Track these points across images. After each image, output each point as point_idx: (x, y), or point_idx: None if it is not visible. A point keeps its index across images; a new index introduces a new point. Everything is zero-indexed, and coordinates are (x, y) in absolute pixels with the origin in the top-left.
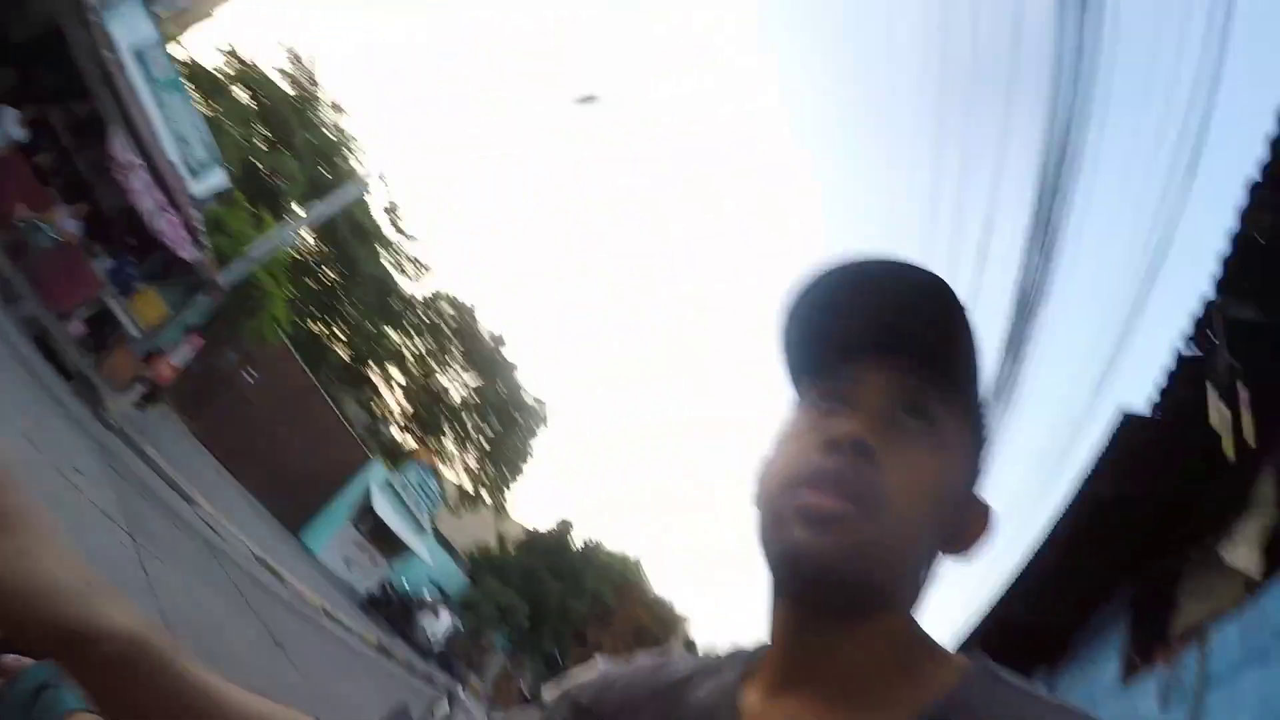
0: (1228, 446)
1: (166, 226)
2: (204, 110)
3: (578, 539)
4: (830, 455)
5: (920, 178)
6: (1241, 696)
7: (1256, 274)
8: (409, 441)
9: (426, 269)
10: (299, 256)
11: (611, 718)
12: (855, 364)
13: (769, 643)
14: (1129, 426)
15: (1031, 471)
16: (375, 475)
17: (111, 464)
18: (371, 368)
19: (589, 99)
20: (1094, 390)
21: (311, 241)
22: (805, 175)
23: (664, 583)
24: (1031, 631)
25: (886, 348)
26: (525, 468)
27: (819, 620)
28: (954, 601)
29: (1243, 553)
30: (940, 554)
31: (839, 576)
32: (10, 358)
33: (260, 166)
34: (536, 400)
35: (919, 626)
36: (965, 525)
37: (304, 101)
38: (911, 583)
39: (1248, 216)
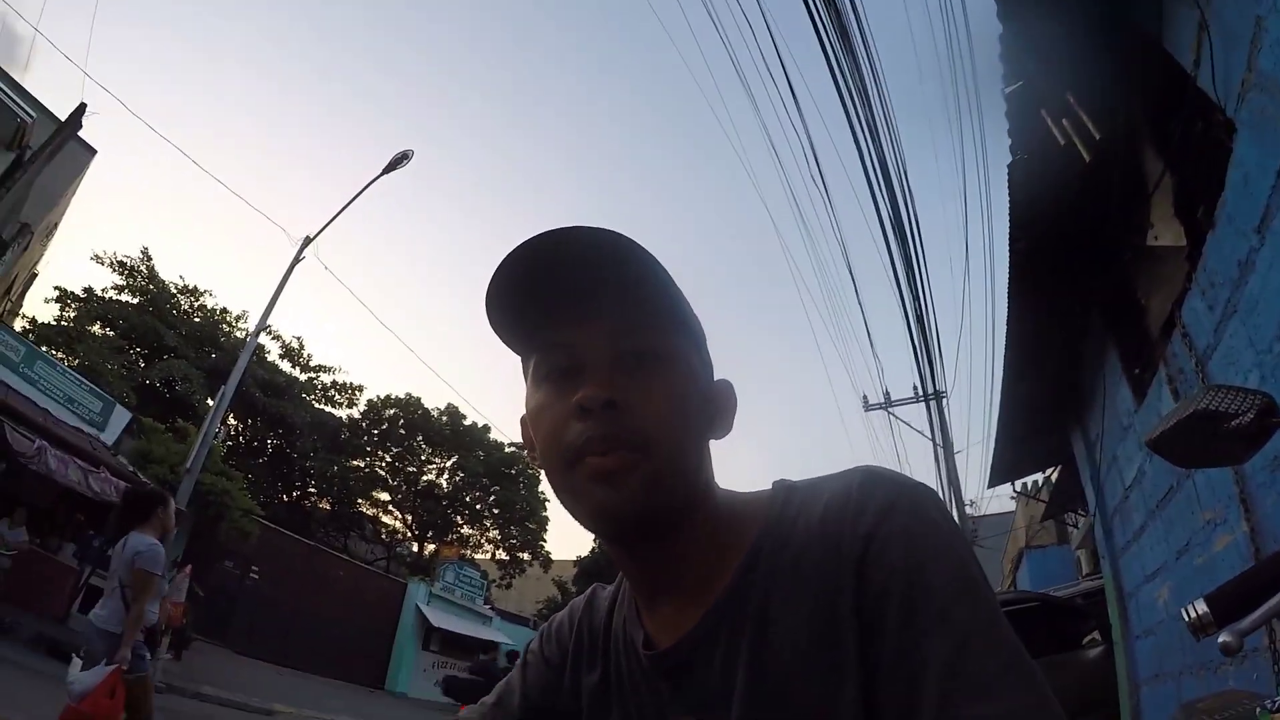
0: (1083, 150)
1: (100, 486)
2: (72, 361)
3: None
4: (586, 419)
5: None
6: (1232, 352)
7: None
8: (429, 548)
9: (357, 389)
10: (234, 442)
11: (556, 645)
12: (573, 330)
13: (619, 569)
14: (1016, 175)
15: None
16: (418, 595)
17: None
18: (358, 503)
19: (404, 157)
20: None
21: (235, 424)
22: None
23: None
24: (1047, 400)
25: (591, 307)
26: (545, 510)
27: (647, 546)
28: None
29: (1165, 230)
30: (710, 440)
31: (647, 511)
32: (36, 679)
33: (152, 383)
34: (519, 446)
35: (721, 496)
36: (718, 410)
37: (156, 302)
38: (698, 479)
39: None
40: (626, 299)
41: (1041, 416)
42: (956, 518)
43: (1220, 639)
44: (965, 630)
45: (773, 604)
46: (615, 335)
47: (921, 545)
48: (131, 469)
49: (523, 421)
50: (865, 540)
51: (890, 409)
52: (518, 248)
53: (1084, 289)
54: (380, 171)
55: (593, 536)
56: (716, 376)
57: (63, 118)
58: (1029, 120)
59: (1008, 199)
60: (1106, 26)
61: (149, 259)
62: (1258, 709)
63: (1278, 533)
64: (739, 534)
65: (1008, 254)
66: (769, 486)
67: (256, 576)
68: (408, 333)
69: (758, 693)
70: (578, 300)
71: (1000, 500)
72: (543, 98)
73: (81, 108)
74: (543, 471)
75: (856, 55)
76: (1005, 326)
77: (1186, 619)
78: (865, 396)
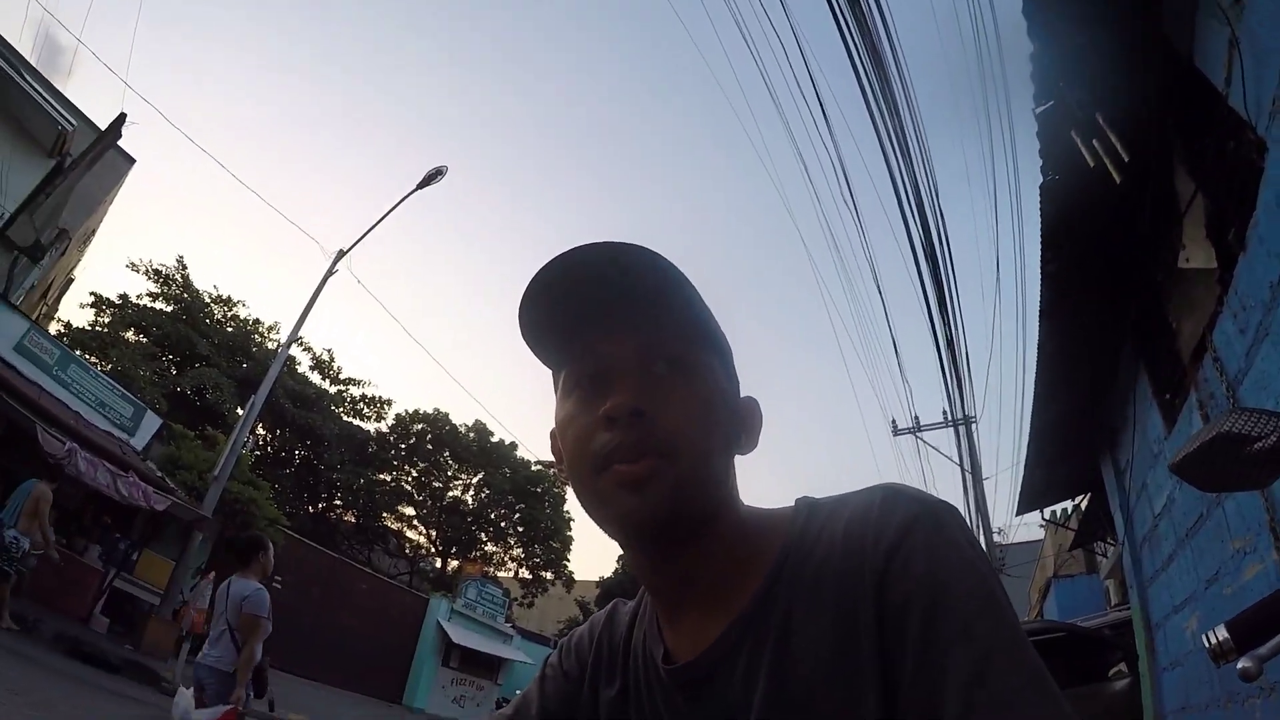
0: (1113, 171)
1: (128, 490)
2: (105, 366)
3: None
4: (614, 428)
5: None
6: (1264, 376)
7: (1061, 7)
8: (453, 564)
9: (386, 403)
10: (262, 451)
11: (575, 659)
12: (602, 342)
13: (642, 583)
14: (1048, 196)
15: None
16: (439, 611)
17: None
18: (383, 516)
19: (437, 173)
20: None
21: (264, 433)
22: None
23: None
24: (1076, 424)
25: (619, 321)
26: (569, 530)
27: (670, 554)
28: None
29: (1197, 252)
30: (735, 454)
31: (673, 518)
32: (61, 682)
33: (183, 390)
34: (545, 465)
35: (745, 511)
36: (744, 425)
37: (190, 310)
38: (722, 490)
39: None
40: (654, 312)
41: (1071, 442)
42: (984, 544)
43: (1240, 665)
44: (988, 645)
45: (795, 617)
46: (643, 347)
47: (943, 561)
48: (160, 474)
49: (552, 435)
50: (887, 555)
51: (919, 434)
52: (549, 263)
53: (1115, 311)
54: (414, 187)
55: (617, 557)
56: (744, 394)
57: (103, 126)
58: (1060, 140)
59: (1039, 219)
60: (1137, 45)
61: (184, 268)
62: None
63: None
64: (761, 548)
65: (1039, 275)
66: (791, 504)
67: (279, 586)
68: (437, 348)
69: (778, 703)
70: (606, 313)
71: (1028, 528)
72: (575, 114)
73: (121, 118)
74: (569, 482)
75: (888, 74)
76: (1036, 350)
77: (1207, 645)
78: (894, 421)
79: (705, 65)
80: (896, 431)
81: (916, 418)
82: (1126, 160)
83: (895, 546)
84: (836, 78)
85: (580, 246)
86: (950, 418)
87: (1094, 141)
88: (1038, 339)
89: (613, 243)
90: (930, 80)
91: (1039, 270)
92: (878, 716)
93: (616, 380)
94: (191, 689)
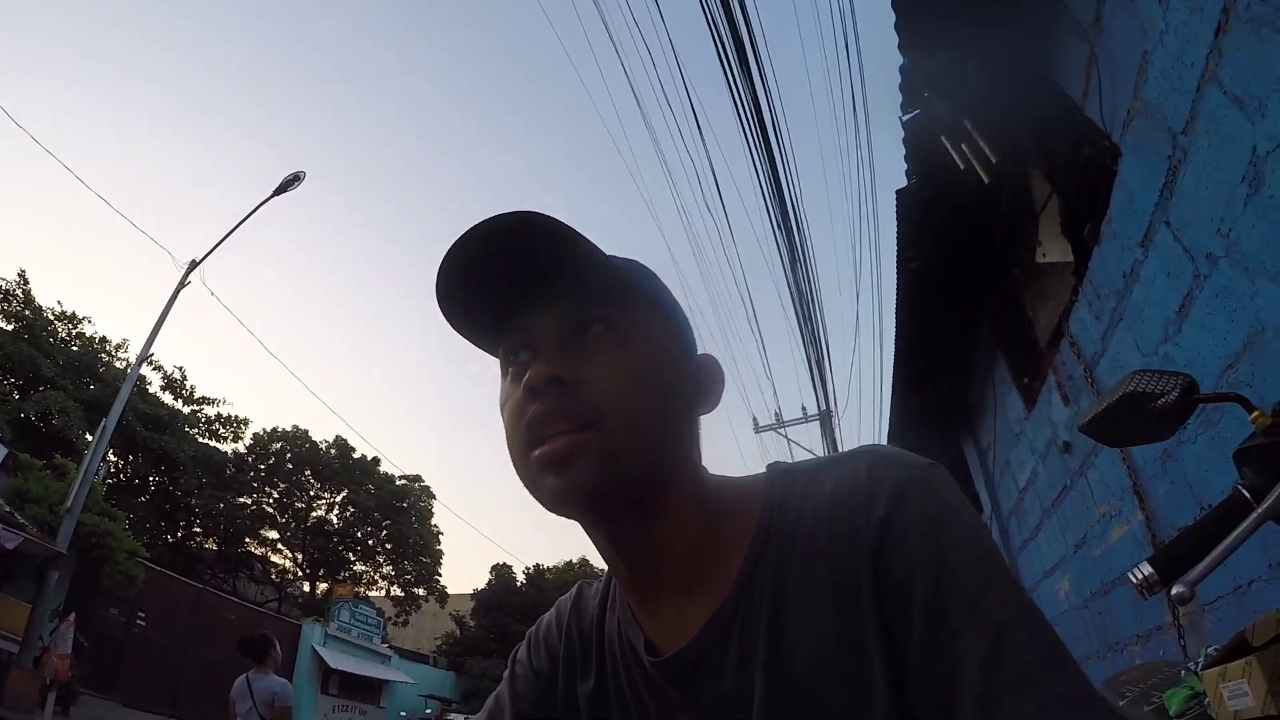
0: (982, 173)
1: None
2: None
3: (519, 575)
4: (535, 400)
5: None
6: (1119, 356)
7: (931, 24)
8: (322, 586)
9: (242, 423)
10: (115, 479)
11: (546, 653)
12: (525, 314)
13: (608, 567)
14: (905, 200)
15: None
16: (313, 637)
17: None
18: (246, 542)
19: (295, 179)
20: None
21: (115, 459)
22: None
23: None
24: (937, 412)
25: (535, 290)
26: (438, 544)
27: (623, 529)
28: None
29: (1053, 248)
30: (694, 415)
31: (607, 492)
32: None
33: (27, 416)
34: (409, 478)
35: (711, 480)
36: (700, 384)
37: (32, 328)
38: (674, 455)
39: None
40: (576, 277)
41: (933, 428)
42: None
43: (1174, 590)
44: (999, 620)
45: (787, 598)
46: (563, 313)
47: (941, 531)
48: (8, 509)
49: None
50: (880, 527)
51: (781, 429)
52: (458, 240)
53: (974, 305)
54: (271, 193)
55: (490, 567)
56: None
57: None
58: (924, 145)
59: (896, 221)
60: (1001, 59)
61: (25, 282)
62: (1181, 672)
63: (1172, 518)
64: (735, 520)
65: (895, 272)
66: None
67: (143, 623)
68: (295, 363)
69: (781, 694)
70: (527, 284)
71: None
72: (438, 121)
73: None
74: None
75: (752, 77)
76: (894, 342)
77: (1134, 580)
78: (755, 418)
79: (574, 71)
80: (759, 429)
81: (778, 414)
82: (995, 163)
83: (889, 517)
84: (704, 79)
85: (489, 219)
86: (809, 413)
87: (963, 146)
88: (895, 332)
89: (522, 211)
90: (798, 87)
91: (895, 267)
92: (888, 700)
93: (541, 350)
94: None
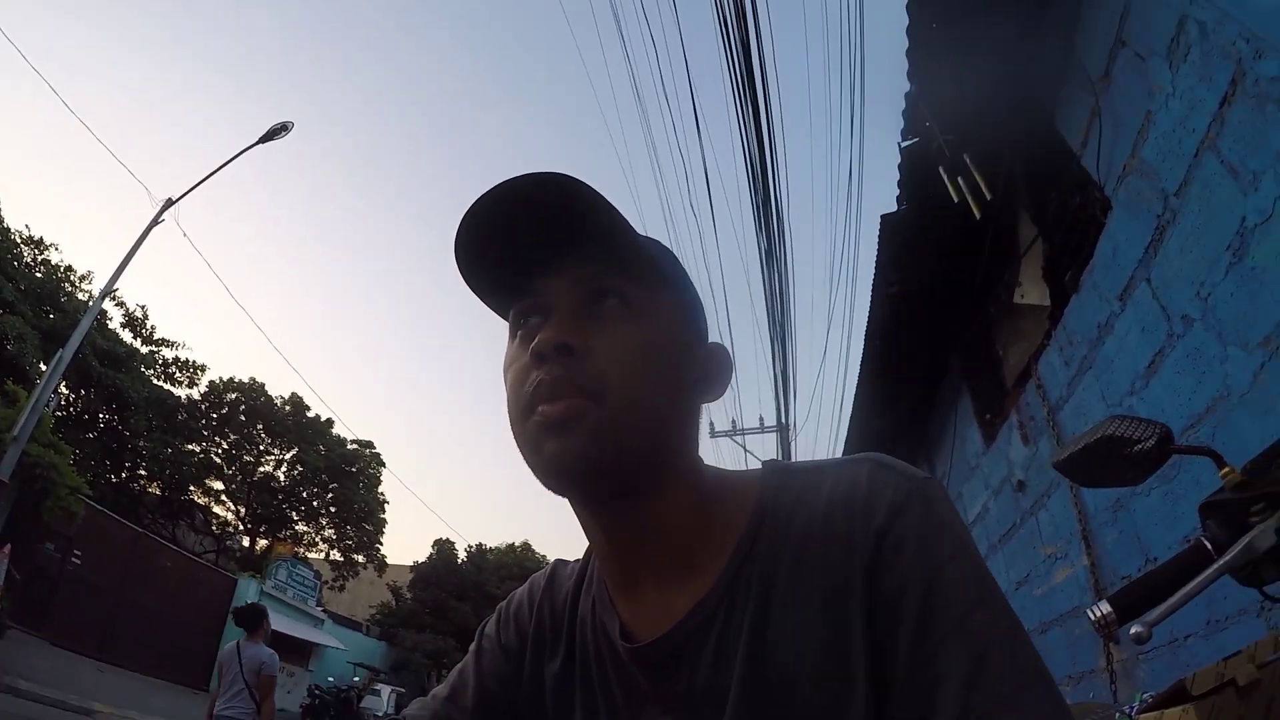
0: (974, 208)
1: None
2: None
3: (460, 552)
4: (541, 366)
5: None
6: (1083, 404)
7: (941, 56)
8: (262, 543)
9: (200, 369)
10: (64, 413)
11: (515, 630)
12: (542, 277)
13: (591, 544)
14: (891, 225)
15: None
16: (248, 592)
17: None
18: (190, 490)
19: (282, 128)
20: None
21: (67, 392)
22: None
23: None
24: (895, 438)
25: (555, 253)
26: (383, 512)
27: (614, 510)
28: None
29: (1031, 290)
30: (698, 402)
31: (599, 465)
32: None
33: None
34: (360, 443)
35: (707, 470)
36: (707, 372)
37: None
38: (673, 437)
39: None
40: (600, 246)
41: (890, 453)
42: None
43: (1133, 630)
44: (985, 640)
45: (774, 598)
46: (582, 280)
47: (936, 547)
48: None
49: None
50: (878, 537)
51: (738, 437)
52: (485, 194)
53: (946, 336)
54: (256, 140)
55: (431, 542)
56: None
57: None
58: (919, 173)
59: (877, 245)
60: (1006, 99)
61: None
62: (1116, 715)
63: (1117, 566)
64: (727, 513)
65: (870, 297)
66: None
67: (78, 561)
68: (259, 314)
69: (757, 694)
70: (549, 247)
71: None
72: (430, 92)
73: None
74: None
75: (753, 72)
76: (860, 366)
77: (1091, 618)
78: (712, 423)
79: (572, 38)
80: (714, 434)
81: (734, 421)
82: (988, 199)
83: (885, 529)
84: (700, 72)
85: (520, 176)
86: (772, 422)
87: (959, 179)
88: (862, 355)
89: (556, 172)
90: (794, 99)
91: (870, 290)
92: (866, 709)
93: (553, 315)
94: None
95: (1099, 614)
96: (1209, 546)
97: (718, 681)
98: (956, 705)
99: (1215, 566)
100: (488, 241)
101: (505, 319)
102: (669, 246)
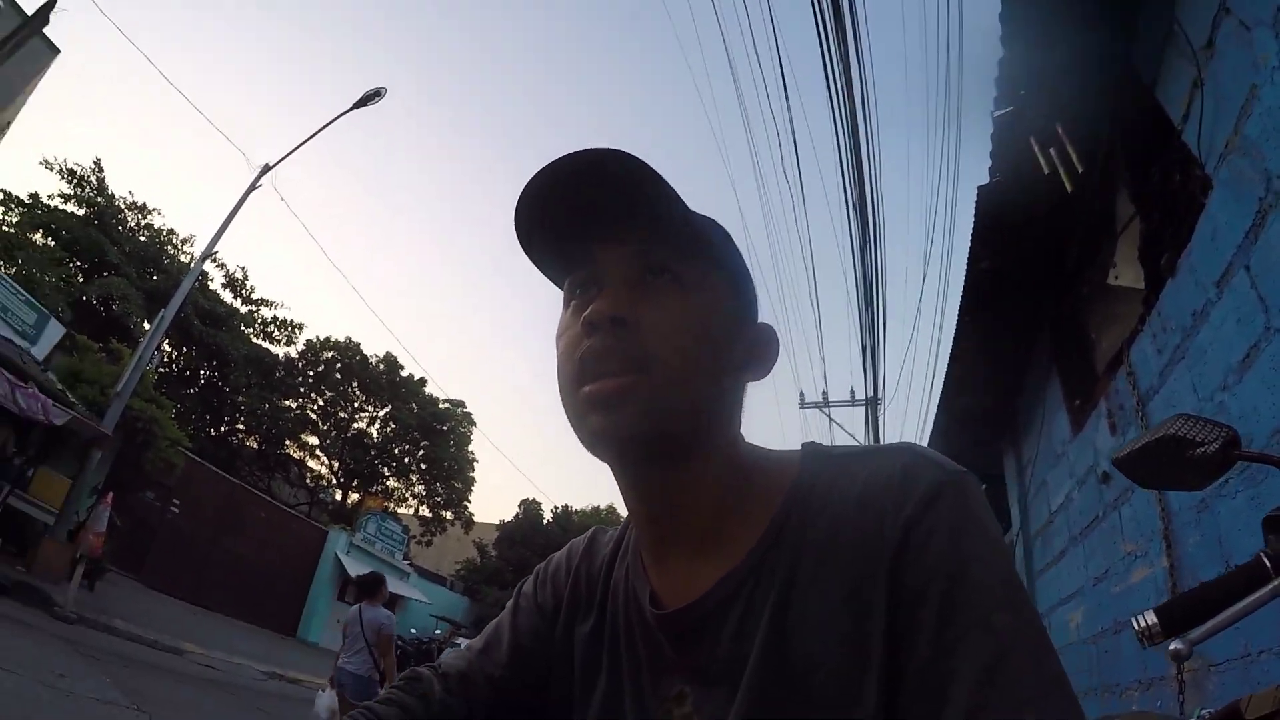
0: (1066, 180)
1: (26, 402)
2: (9, 269)
3: (545, 513)
4: (592, 336)
5: None
6: (1174, 395)
7: (1037, 20)
8: (353, 496)
9: (297, 328)
10: (166, 369)
11: (551, 591)
12: (599, 247)
13: (629, 511)
14: (984, 198)
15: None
16: (337, 544)
17: (89, 653)
18: (286, 444)
19: (376, 94)
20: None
21: (169, 350)
22: None
23: None
24: (984, 418)
25: (612, 226)
26: (472, 471)
27: (654, 478)
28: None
29: (1127, 271)
30: (743, 380)
31: (647, 437)
32: None
33: (89, 299)
34: (452, 402)
35: (745, 447)
36: (754, 352)
37: (103, 215)
38: (716, 413)
39: None
40: (657, 221)
41: (976, 433)
42: None
43: (1172, 646)
44: (1005, 642)
45: (799, 580)
46: (639, 254)
47: (966, 542)
48: (60, 387)
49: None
50: (906, 528)
51: (825, 409)
52: (547, 166)
53: (1037, 316)
54: (350, 106)
55: (519, 502)
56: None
57: (29, 10)
58: (1012, 144)
59: (973, 217)
60: (1104, 67)
61: (100, 170)
62: None
63: (1197, 569)
64: (762, 491)
65: (965, 271)
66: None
67: (177, 510)
68: (355, 276)
69: (772, 673)
70: (607, 218)
71: None
72: (525, 51)
73: (51, 2)
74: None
75: (847, 49)
76: (953, 342)
77: (1136, 627)
78: (802, 393)
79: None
80: (804, 404)
81: (825, 393)
82: (1081, 171)
83: (915, 520)
84: (796, 45)
85: (581, 150)
86: (856, 397)
87: (1050, 150)
88: (955, 332)
89: (616, 149)
90: (889, 70)
91: (965, 266)
92: (878, 698)
93: (607, 287)
94: (332, 690)
95: (1144, 624)
96: (1269, 564)
97: (737, 655)
98: (971, 701)
99: (1272, 585)
100: (545, 212)
101: (560, 288)
102: (739, 218)
